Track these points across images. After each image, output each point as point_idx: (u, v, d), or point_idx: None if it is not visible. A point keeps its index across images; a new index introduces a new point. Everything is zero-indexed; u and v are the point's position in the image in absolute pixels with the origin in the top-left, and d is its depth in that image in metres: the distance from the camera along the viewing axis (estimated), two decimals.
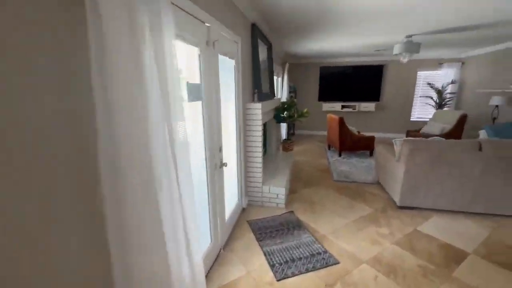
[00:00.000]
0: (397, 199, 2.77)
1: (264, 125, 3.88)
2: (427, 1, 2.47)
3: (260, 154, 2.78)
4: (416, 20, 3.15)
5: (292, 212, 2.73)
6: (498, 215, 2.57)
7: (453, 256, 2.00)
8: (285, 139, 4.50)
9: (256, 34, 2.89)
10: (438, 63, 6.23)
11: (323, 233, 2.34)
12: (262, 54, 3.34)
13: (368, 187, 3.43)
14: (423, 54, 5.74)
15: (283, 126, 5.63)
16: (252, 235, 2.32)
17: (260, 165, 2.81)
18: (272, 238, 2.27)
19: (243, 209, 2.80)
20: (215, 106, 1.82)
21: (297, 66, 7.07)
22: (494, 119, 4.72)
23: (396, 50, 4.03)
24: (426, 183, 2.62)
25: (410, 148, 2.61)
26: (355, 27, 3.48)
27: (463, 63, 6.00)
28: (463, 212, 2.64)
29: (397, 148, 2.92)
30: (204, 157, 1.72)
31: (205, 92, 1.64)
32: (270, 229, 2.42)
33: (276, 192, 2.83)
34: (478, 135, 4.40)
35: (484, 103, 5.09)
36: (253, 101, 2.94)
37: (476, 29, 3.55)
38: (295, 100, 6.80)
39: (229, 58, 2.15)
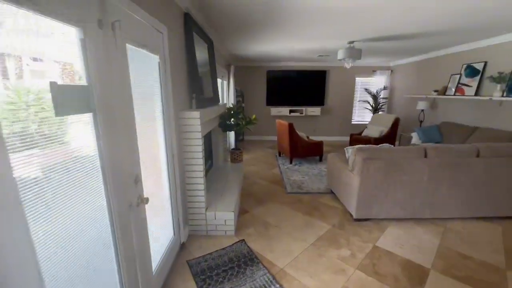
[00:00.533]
0: (353, 212, 2.60)
1: (209, 134, 3.36)
2: (366, 8, 2.39)
3: (202, 174, 2.25)
4: (357, 27, 3.13)
5: (243, 241, 2.28)
6: (442, 219, 2.63)
7: (416, 276, 1.85)
8: (233, 149, 4.06)
9: (190, 27, 2.37)
10: (372, 70, 6.73)
11: (281, 265, 1.96)
12: (202, 53, 2.83)
13: (322, 197, 3.24)
14: (360, 62, 6.08)
15: (231, 133, 5.19)
16: (192, 284, 1.78)
17: (202, 187, 2.28)
18: (219, 284, 1.77)
19: (183, 244, 2.22)
20: (125, 119, 1.24)
21: (243, 69, 6.74)
22: (421, 122, 5.22)
23: (340, 55, 4.03)
24: (380, 193, 2.52)
25: (363, 157, 2.47)
26: (299, 30, 3.28)
27: (392, 71, 6.61)
28: (413, 219, 2.63)
29: (349, 156, 2.77)
30: (104, 195, 1.12)
31: (100, 99, 1.05)
32: (216, 270, 1.91)
33: (223, 217, 2.34)
34: (411, 137, 4.76)
35: (411, 107, 5.63)
36: (190, 108, 2.40)
37: (404, 38, 3.78)
38: (243, 105, 6.45)
39: (150, 52, 1.58)
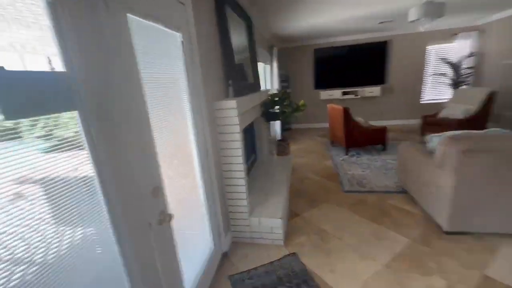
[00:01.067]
0: (443, 221, 1.94)
1: (251, 125, 3.01)
2: None
3: (242, 174, 1.92)
4: None
5: (295, 254, 1.89)
6: None
7: None
8: (279, 140, 3.64)
9: (223, 0, 1.98)
10: (451, 34, 5.33)
11: None
12: (238, 32, 2.44)
13: (392, 198, 2.59)
14: (433, 25, 4.84)
15: (277, 123, 4.77)
16: None
17: (244, 189, 1.95)
18: None
19: (225, 254, 1.95)
20: (134, 116, 0.94)
21: (287, 50, 6.13)
22: None
23: (413, 15, 3.14)
24: (488, 198, 1.79)
25: (461, 149, 1.76)
26: None
27: (481, 32, 5.12)
28: None
29: (434, 147, 2.07)
30: (108, 218, 0.85)
31: (89, 90, 0.76)
32: None
33: (269, 225, 1.98)
34: None
35: None
36: (227, 97, 2.06)
37: None
38: (288, 90, 5.93)
39: (168, 28, 1.26)
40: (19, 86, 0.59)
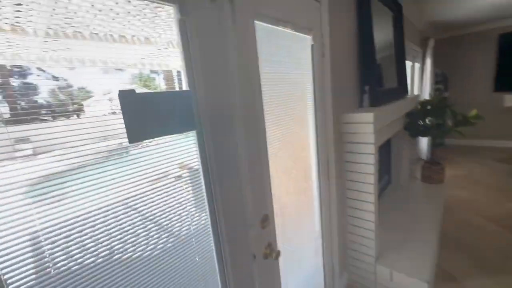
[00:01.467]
0: None
1: (387, 141, 2.41)
2: None
3: (372, 207, 1.48)
4: None
5: None
6: None
7: None
8: (427, 161, 2.74)
9: None
10: None
11: None
12: (383, 26, 1.98)
13: None
14: None
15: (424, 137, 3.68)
16: None
17: (372, 226, 1.51)
18: None
19: None
20: (250, 137, 0.84)
21: (449, 41, 4.64)
22: None
23: None
24: None
25: None
26: None
27: None
28: None
29: None
30: (213, 246, 0.79)
31: (209, 109, 0.71)
32: None
33: (408, 284, 1.43)
34: None
35: None
36: (360, 106, 1.68)
37: None
38: (445, 95, 4.52)
39: (298, 31, 1.09)
40: (146, 108, 0.58)
